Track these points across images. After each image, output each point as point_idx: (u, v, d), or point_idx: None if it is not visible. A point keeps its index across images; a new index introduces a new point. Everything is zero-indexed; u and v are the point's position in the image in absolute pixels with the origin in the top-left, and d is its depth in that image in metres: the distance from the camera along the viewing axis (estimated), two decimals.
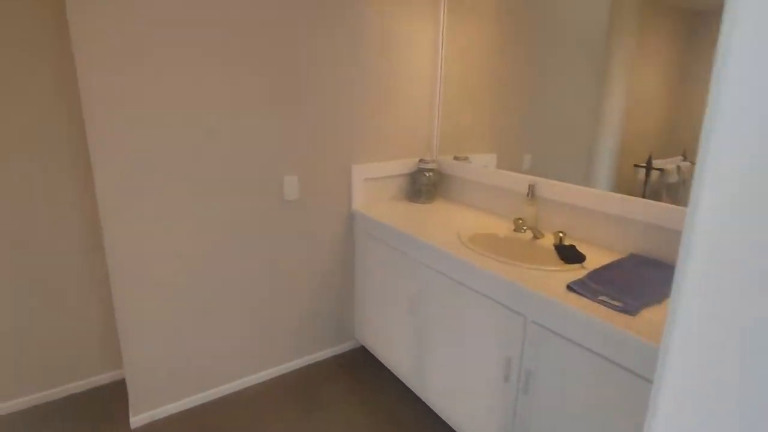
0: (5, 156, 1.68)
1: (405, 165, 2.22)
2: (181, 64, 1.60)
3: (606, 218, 1.56)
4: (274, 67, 1.78)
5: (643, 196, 1.51)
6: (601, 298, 1.16)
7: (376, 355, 2.20)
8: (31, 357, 1.90)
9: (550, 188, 1.73)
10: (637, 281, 1.26)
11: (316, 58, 1.86)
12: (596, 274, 1.32)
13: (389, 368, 2.09)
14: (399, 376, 2.02)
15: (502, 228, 1.80)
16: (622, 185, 1.58)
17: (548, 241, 1.65)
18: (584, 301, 1.18)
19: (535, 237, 1.67)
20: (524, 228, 1.72)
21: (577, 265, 1.42)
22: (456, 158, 2.24)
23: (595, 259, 1.48)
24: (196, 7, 1.58)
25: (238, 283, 1.91)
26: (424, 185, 2.19)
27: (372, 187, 2.15)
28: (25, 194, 1.74)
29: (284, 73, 1.80)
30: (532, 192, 1.77)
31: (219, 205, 1.78)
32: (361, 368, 2.21)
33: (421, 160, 2.21)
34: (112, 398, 1.98)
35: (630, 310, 1.11)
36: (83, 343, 1.99)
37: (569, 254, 1.49)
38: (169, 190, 1.67)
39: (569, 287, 1.25)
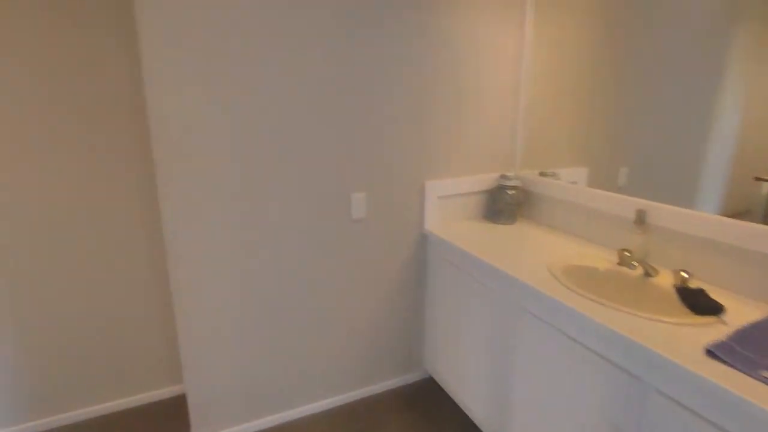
0: (83, 173, 1.70)
1: (484, 181, 2.00)
2: (248, 80, 1.51)
3: (747, 256, 1.24)
4: (341, 79, 1.64)
5: (766, 216, 1.19)
6: (765, 374, 0.88)
7: (446, 390, 1.99)
8: (94, 368, 1.92)
9: (665, 214, 1.43)
10: None
11: (385, 68, 1.70)
12: (746, 336, 1.02)
13: (461, 406, 1.87)
14: (472, 418, 1.79)
15: (602, 260, 1.52)
16: (737, 202, 1.27)
17: (665, 280, 1.35)
18: (734, 374, 0.90)
19: (648, 275, 1.38)
20: (634, 263, 1.43)
21: (712, 318, 1.13)
22: (542, 174, 1.98)
23: (737, 311, 1.17)
24: (263, 25, 1.49)
25: (301, 305, 1.79)
26: (505, 204, 1.95)
27: (447, 205, 1.95)
28: (96, 210, 1.76)
29: (352, 84, 1.66)
30: (641, 218, 1.47)
31: (283, 223, 1.68)
32: (429, 402, 2.01)
33: (502, 176, 1.97)
34: (173, 415, 1.95)
35: None
36: (147, 355, 1.98)
37: (699, 302, 1.19)
38: (234, 206, 1.59)
39: (710, 352, 0.96)
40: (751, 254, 1.22)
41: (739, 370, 0.90)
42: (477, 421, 1.76)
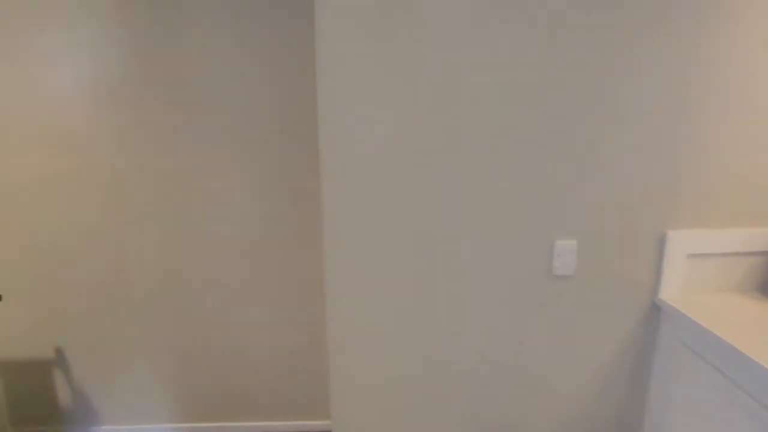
0: (261, 184, 1.64)
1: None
2: (432, 89, 1.18)
3: None
4: (554, 88, 1.18)
5: None
6: None
7: None
8: (252, 387, 1.88)
9: None
10: None
11: (620, 75, 1.18)
12: None
13: None
14: None
15: None
16: None
17: None
18: None
19: None
20: None
21: None
22: None
23: None
24: (461, 17, 1.14)
25: (467, 379, 1.39)
26: None
27: (700, 268, 1.31)
28: (273, 242, 1.67)
29: (568, 95, 1.19)
30: None
31: (459, 270, 1.30)
32: None
33: None
34: None
35: None
36: (302, 384, 1.87)
37: None
38: (402, 243, 1.28)
39: None
40: None
41: None
42: None
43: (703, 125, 1.23)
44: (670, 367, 1.32)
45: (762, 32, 1.18)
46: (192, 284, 1.88)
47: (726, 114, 1.23)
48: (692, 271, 1.31)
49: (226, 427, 1.99)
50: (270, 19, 1.65)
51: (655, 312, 1.35)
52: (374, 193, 1.24)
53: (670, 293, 1.32)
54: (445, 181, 1.24)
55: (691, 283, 1.32)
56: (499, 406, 1.42)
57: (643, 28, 1.16)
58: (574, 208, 1.27)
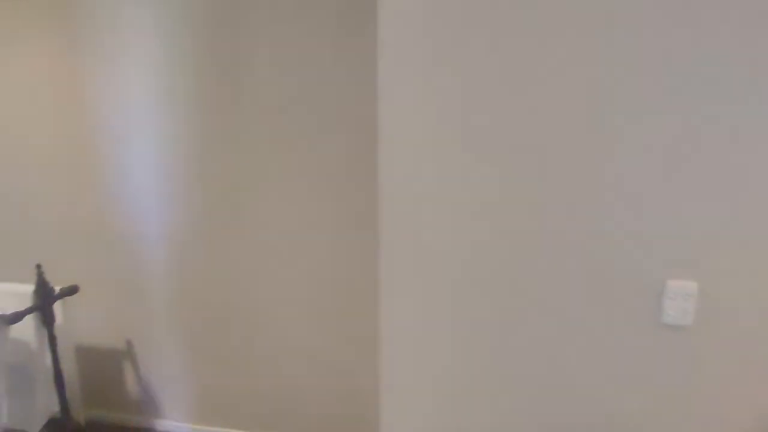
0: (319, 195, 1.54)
1: None
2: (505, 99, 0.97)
3: None
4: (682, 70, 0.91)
5: None
6: None
7: None
8: (304, 402, 1.80)
9: None
10: None
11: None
12: None
13: None
14: None
15: None
16: None
17: None
18: None
19: None
20: None
21: None
22: None
23: None
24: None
25: None
26: None
27: None
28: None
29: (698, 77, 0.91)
30: None
31: (537, 311, 1.06)
32: None
33: None
34: None
35: None
36: (352, 406, 1.76)
37: None
38: (469, 282, 1.07)
39: None
40: None
41: None
42: None
43: None
44: None
45: None
46: (252, 296, 1.87)
47: None
48: None
49: None
50: (334, 28, 1.56)
51: None
52: (442, 221, 1.05)
53: None
54: (528, 198, 1.01)
55: None
56: None
57: None
58: (695, 238, 0.97)
